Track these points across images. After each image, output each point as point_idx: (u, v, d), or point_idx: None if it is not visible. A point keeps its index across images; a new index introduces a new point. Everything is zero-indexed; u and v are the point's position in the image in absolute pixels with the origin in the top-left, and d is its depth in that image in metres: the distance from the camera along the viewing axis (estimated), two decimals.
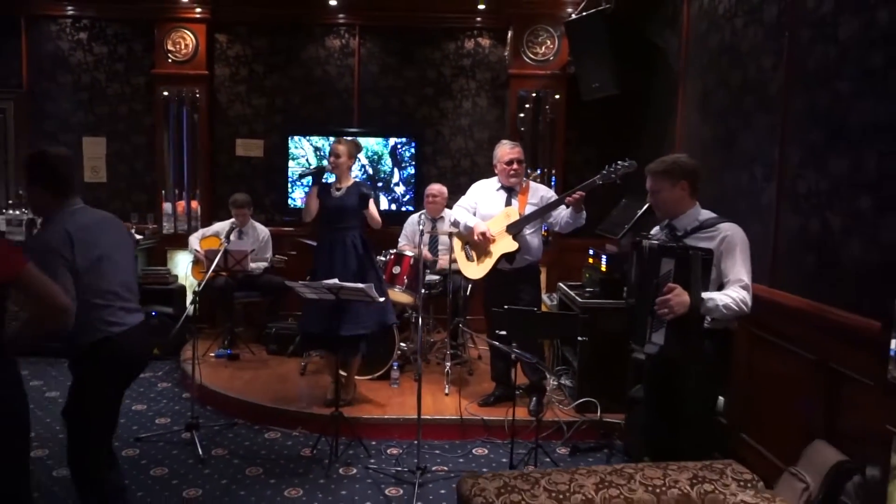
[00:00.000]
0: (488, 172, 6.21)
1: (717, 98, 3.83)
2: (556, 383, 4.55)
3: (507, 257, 3.97)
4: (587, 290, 4.37)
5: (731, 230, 2.58)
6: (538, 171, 5.79)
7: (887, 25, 2.36)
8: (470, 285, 4.92)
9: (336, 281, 3.51)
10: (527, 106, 5.82)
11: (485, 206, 4.13)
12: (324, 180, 4.07)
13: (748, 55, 3.44)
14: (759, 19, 3.34)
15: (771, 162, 3.15)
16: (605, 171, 3.69)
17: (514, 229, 3.95)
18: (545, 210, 3.97)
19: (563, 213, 3.95)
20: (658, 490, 1.94)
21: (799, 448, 2.71)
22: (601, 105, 5.24)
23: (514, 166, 4.04)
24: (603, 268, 4.25)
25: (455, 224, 4.18)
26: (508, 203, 4.07)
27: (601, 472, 2.00)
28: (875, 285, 2.35)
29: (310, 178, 4.03)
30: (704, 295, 2.45)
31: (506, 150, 4.07)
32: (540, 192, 4.12)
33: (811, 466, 2.62)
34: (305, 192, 5.96)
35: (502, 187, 4.12)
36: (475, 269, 4.10)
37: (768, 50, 3.23)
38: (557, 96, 5.79)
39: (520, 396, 4.11)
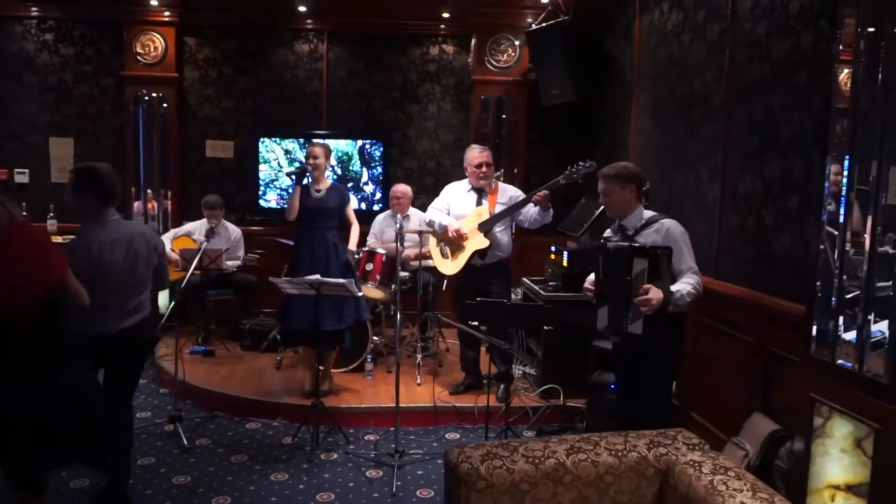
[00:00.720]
0: (453, 173, 6.50)
1: (667, 107, 4.18)
2: (521, 372, 4.85)
3: (480, 253, 4.22)
4: (550, 284, 4.68)
5: (671, 224, 2.94)
6: (500, 172, 6.07)
7: (810, 49, 2.72)
8: (445, 281, 5.15)
9: (318, 276, 3.71)
10: (490, 110, 6.09)
11: (457, 206, 4.38)
12: (304, 182, 4.25)
13: (694, 69, 3.79)
14: (703, 37, 3.69)
15: (714, 166, 3.50)
16: (567, 171, 3.97)
17: (486, 227, 4.21)
18: (513, 209, 4.23)
19: (531, 211, 4.22)
20: (620, 454, 2.22)
21: (740, 421, 3.06)
22: (560, 110, 5.56)
23: (484, 169, 4.30)
24: (564, 263, 4.55)
25: (430, 224, 4.42)
26: (479, 203, 4.33)
27: (571, 441, 2.27)
28: (801, 274, 2.69)
29: (294, 177, 4.20)
30: (672, 287, 2.78)
31: (475, 154, 4.33)
32: (509, 192, 4.39)
33: (750, 436, 2.97)
34: (279, 194, 6.12)
35: (473, 188, 4.38)
36: (450, 265, 4.35)
37: (711, 65, 3.58)
38: (519, 101, 6.07)
39: (487, 385, 4.37)
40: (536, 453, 2.19)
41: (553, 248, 4.83)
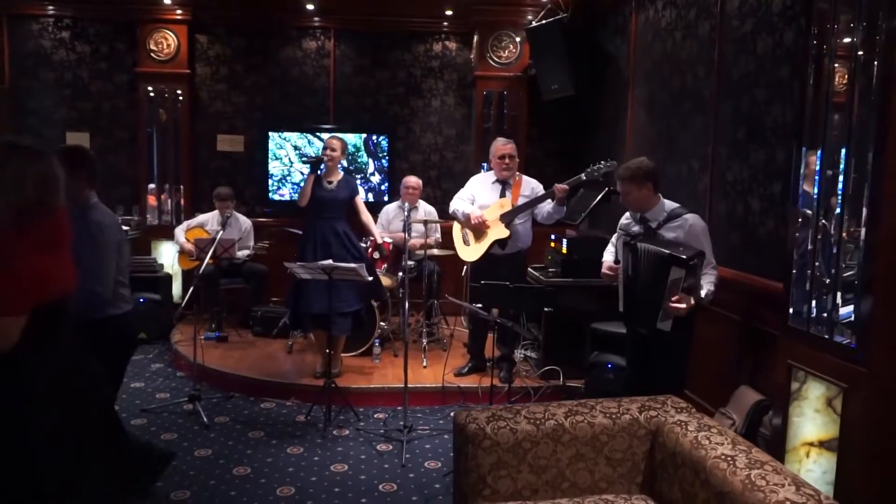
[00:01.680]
0: (456, 166, 6.72)
1: (661, 100, 4.38)
2: (523, 355, 5.05)
3: (500, 243, 4.37)
4: (550, 270, 4.88)
5: (694, 220, 3.06)
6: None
7: (792, 44, 2.92)
8: (465, 268, 5.26)
9: (330, 261, 3.92)
10: (491, 104, 6.27)
11: (481, 197, 4.52)
12: (318, 172, 4.43)
13: (686, 64, 3.99)
14: (694, 34, 3.89)
15: (705, 156, 3.70)
16: (589, 169, 4.04)
17: (507, 218, 4.35)
18: (535, 202, 4.35)
19: (546, 206, 4.34)
20: (614, 416, 2.42)
21: (726, 394, 3.27)
22: (559, 104, 5.76)
23: (507, 161, 4.43)
24: (564, 251, 4.74)
25: (454, 213, 4.56)
26: (503, 194, 4.46)
27: (569, 405, 2.48)
28: (784, 255, 2.89)
29: (310, 165, 4.38)
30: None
31: (499, 146, 4.49)
32: (531, 185, 4.51)
33: (737, 406, 3.18)
34: (292, 188, 6.33)
35: (497, 180, 4.52)
36: (470, 252, 4.51)
37: (702, 60, 3.78)
38: (520, 95, 6.25)
39: (491, 367, 4.57)
40: (538, 415, 2.39)
41: (553, 237, 5.02)
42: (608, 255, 3.41)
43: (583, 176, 4.08)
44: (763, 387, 3.11)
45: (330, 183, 4.42)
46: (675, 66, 4.13)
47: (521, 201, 4.41)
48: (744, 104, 3.32)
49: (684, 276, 2.86)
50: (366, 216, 4.58)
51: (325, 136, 6.11)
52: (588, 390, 4.27)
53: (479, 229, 4.42)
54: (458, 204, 4.56)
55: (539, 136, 6.51)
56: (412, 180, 5.58)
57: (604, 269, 3.30)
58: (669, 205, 3.14)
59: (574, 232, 5.05)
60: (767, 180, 3.11)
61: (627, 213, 3.30)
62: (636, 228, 3.19)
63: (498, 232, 4.37)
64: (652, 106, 4.55)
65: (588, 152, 4.39)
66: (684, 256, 2.86)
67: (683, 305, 2.86)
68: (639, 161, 3.17)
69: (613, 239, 3.43)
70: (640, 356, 3.29)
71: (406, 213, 4.11)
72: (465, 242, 4.57)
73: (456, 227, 4.66)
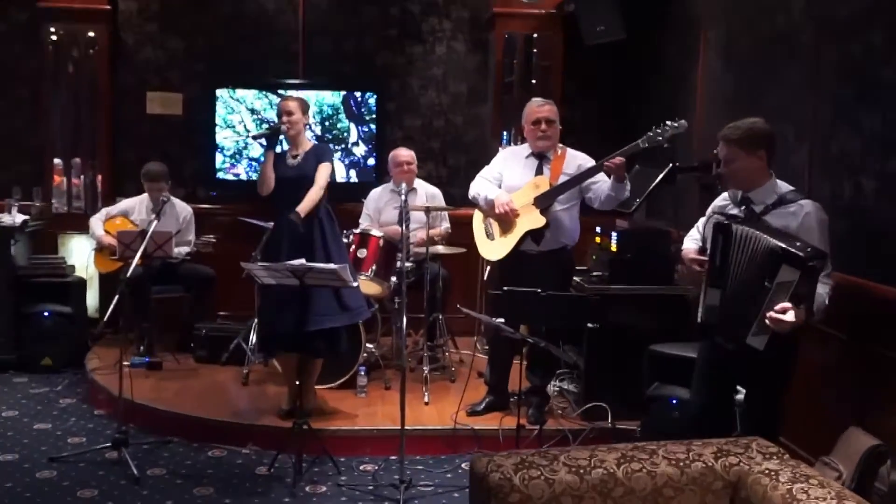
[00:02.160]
0: (468, 134, 6.79)
1: (743, 46, 4.45)
2: (557, 389, 5.13)
3: (534, 237, 4.39)
4: (594, 274, 4.93)
5: (812, 208, 3.08)
6: None
7: None
8: (487, 269, 5.32)
9: (303, 261, 4.00)
10: (515, 52, 6.32)
11: (511, 176, 4.55)
12: (279, 147, 4.51)
13: None
14: None
15: (801, 120, 3.78)
16: (650, 133, 4.02)
17: (543, 203, 4.34)
18: (580, 179, 4.33)
19: (602, 185, 4.32)
20: (682, 463, 2.50)
21: (829, 439, 3.34)
22: (606, 51, 5.84)
23: (543, 126, 4.44)
24: (613, 248, 4.78)
25: (475, 198, 4.60)
26: (539, 171, 4.48)
27: (622, 449, 2.56)
28: None
29: (264, 140, 4.46)
30: None
31: (533, 108, 4.51)
32: (578, 161, 4.49)
33: (844, 454, 3.26)
34: (249, 165, 6.42)
35: (532, 154, 4.56)
36: (494, 249, 4.53)
37: None
38: (553, 40, 6.30)
39: (514, 403, 4.63)
40: (581, 463, 2.47)
41: (598, 230, 5.03)
42: (691, 243, 3.47)
43: (642, 142, 4.07)
44: (878, 429, 3.18)
45: (295, 157, 4.49)
46: (763, 1, 4.21)
47: (562, 180, 4.40)
48: (855, 52, 3.39)
49: (798, 280, 2.85)
50: (315, 186, 4.39)
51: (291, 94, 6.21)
52: (645, 433, 4.32)
53: (505, 219, 4.46)
54: (480, 185, 4.58)
55: (578, 94, 6.57)
56: (404, 153, 5.61)
57: (690, 256, 3.33)
58: (783, 187, 3.17)
59: (626, 223, 5.12)
60: (886, 153, 3.19)
61: (725, 194, 3.35)
62: (734, 211, 3.23)
63: (531, 221, 4.36)
64: (730, 53, 4.62)
65: (644, 115, 4.43)
66: (802, 254, 2.84)
67: (790, 318, 2.85)
68: (752, 121, 3.19)
69: (699, 224, 3.48)
70: (715, 381, 3.33)
71: (403, 196, 4.18)
72: (489, 236, 4.58)
73: (477, 215, 4.69)
